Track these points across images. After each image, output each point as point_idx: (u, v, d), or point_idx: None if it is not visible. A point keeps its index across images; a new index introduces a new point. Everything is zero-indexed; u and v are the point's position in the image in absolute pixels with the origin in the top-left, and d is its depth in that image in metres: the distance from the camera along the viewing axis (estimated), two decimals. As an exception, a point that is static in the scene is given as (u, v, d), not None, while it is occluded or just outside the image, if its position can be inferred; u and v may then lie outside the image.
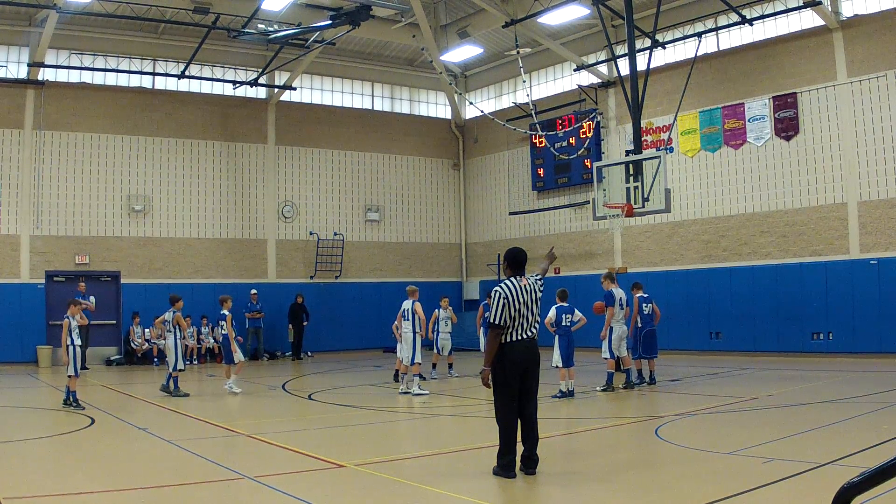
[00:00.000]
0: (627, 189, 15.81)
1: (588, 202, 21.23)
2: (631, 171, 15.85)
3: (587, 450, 9.00)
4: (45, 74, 21.42)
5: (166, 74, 22.64)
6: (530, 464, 7.16)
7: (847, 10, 18.55)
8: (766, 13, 19.26)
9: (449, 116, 28.53)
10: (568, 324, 13.00)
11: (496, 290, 7.26)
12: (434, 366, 16.96)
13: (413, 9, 21.86)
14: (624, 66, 17.76)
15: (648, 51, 17.09)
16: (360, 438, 9.98)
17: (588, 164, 22.75)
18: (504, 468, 7.08)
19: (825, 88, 18.69)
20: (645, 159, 15.93)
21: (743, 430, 9.47)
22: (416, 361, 13.81)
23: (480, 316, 16.64)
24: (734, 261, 20.33)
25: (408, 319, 14.12)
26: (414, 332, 13.97)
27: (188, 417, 11.57)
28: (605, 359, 13.87)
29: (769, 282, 19.45)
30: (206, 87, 24.00)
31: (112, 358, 21.40)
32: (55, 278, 21.28)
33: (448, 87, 26.67)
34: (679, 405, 11.74)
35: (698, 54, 18.99)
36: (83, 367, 12.59)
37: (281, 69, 23.97)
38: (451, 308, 17.53)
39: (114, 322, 21.81)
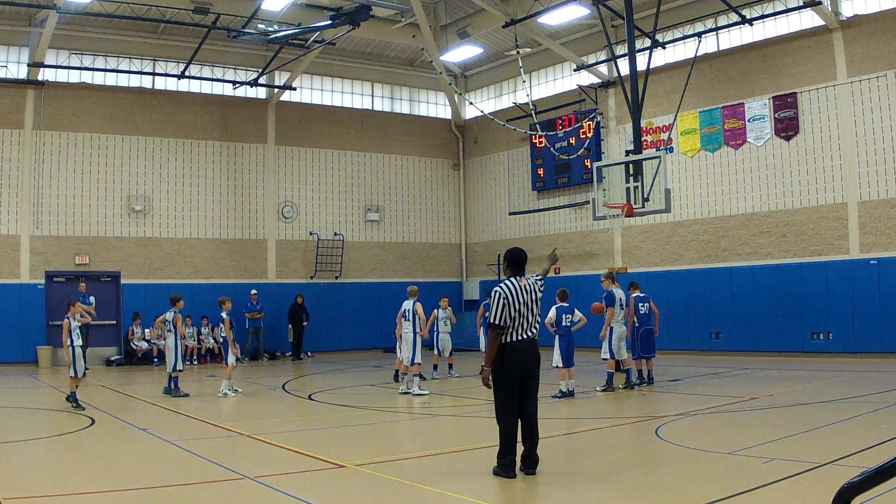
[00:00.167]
0: (627, 189, 15.81)
1: (588, 202, 21.22)
2: (631, 171, 15.84)
3: (587, 450, 9.00)
4: (45, 74, 21.42)
5: (166, 74, 22.64)
6: (530, 464, 7.16)
7: (847, 10, 18.55)
8: (766, 13, 19.26)
9: (449, 116, 28.53)
10: (568, 324, 13.00)
11: (496, 290, 7.26)
12: (435, 367, 16.95)
13: (413, 9, 21.87)
14: (624, 66, 17.76)
15: (648, 51, 17.09)
16: (360, 438, 9.98)
17: (588, 164, 22.75)
18: (504, 468, 7.08)
19: (825, 88, 18.69)
20: (645, 159, 15.93)
21: (743, 430, 9.47)
22: (416, 362, 13.81)
23: (480, 316, 16.63)
24: (734, 261, 20.34)
25: (408, 320, 14.12)
26: (414, 333, 13.98)
27: (188, 417, 11.57)
28: (605, 359, 13.88)
29: (769, 282, 19.45)
30: (206, 87, 24.00)
31: (112, 358, 21.40)
32: (55, 278, 21.28)
33: (448, 87, 26.67)
34: (679, 405, 11.74)
35: (698, 54, 18.99)
36: (85, 369, 12.53)
37: (281, 69, 23.97)
38: (450, 308, 17.53)
39: (114, 322, 21.81)
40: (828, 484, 5.33)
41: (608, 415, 11.59)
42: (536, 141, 24.58)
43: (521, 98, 24.56)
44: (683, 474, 7.27)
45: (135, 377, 18.39)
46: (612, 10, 19.82)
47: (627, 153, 18.87)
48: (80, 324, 12.57)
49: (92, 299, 19.70)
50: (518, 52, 21.91)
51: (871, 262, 17.81)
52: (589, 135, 23.20)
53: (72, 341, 12.19)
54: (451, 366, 17.26)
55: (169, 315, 14.39)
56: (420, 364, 13.97)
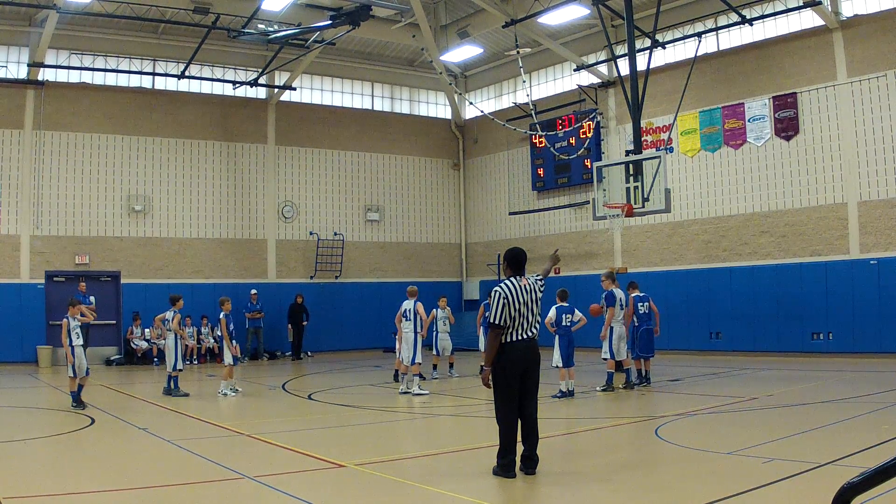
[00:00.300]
0: (627, 189, 15.81)
1: (588, 202, 21.22)
2: (631, 171, 15.85)
3: (587, 450, 9.00)
4: (45, 74, 21.42)
5: (166, 74, 22.64)
6: (530, 464, 7.16)
7: (847, 10, 18.55)
8: (766, 13, 19.26)
9: (449, 116, 28.53)
10: (568, 324, 13.00)
11: (496, 290, 7.25)
12: (434, 367, 16.95)
13: (413, 9, 21.86)
14: (624, 66, 17.77)
15: (648, 51, 17.09)
16: (360, 438, 9.98)
17: (588, 164, 22.74)
18: (504, 468, 7.08)
19: (825, 88, 18.69)
20: (645, 159, 15.94)
21: (743, 430, 9.47)
22: (416, 361, 13.81)
23: (480, 316, 16.63)
24: (734, 261, 20.34)
25: (409, 320, 14.12)
26: (415, 333, 13.98)
27: (188, 417, 11.57)
28: (605, 359, 13.89)
29: (769, 282, 19.45)
30: (206, 87, 24.00)
31: (112, 358, 21.40)
32: (55, 278, 21.29)
33: (448, 87, 26.67)
34: (679, 405, 11.74)
35: (698, 54, 18.99)
36: (87, 368, 12.52)
37: (281, 69, 23.97)
38: (448, 308, 17.52)
39: (114, 322, 21.81)
40: (828, 484, 5.33)
41: (608, 415, 11.59)
42: (536, 141, 24.58)
43: (521, 98, 24.56)
44: (683, 474, 7.27)
45: (135, 377, 18.39)
46: (612, 10, 19.82)
47: (627, 153, 18.85)
48: (80, 323, 12.57)
49: (92, 299, 19.71)
50: (518, 52, 21.90)
51: (871, 262, 17.81)
52: (589, 135, 23.20)
53: (71, 341, 12.19)
54: (451, 365, 17.25)
55: (169, 314, 14.39)
56: (420, 364, 13.98)
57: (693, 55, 18.88)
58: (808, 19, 19.06)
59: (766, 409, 11.16)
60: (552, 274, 22.32)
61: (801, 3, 18.39)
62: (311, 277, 25.01)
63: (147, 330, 21.30)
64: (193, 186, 23.52)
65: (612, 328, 13.68)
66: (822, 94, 18.75)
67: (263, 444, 9.13)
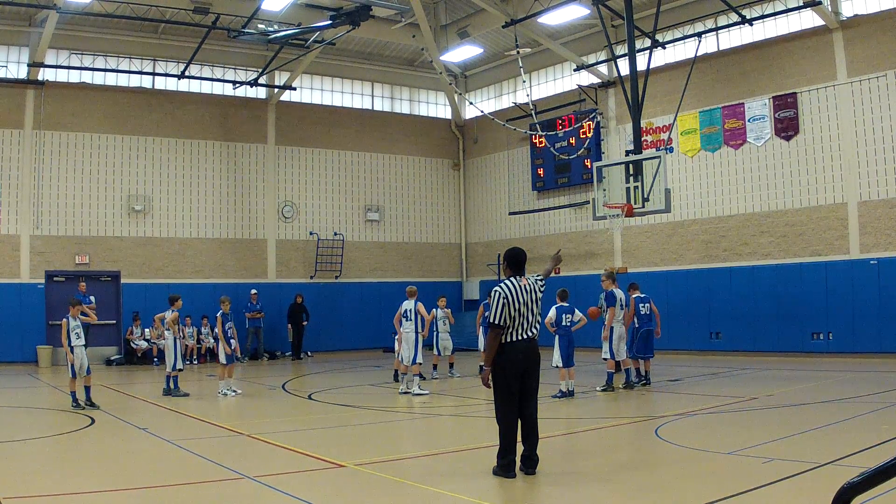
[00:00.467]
0: (627, 189, 15.81)
1: (588, 202, 21.21)
2: (631, 171, 15.85)
3: (587, 450, 9.00)
4: (45, 74, 21.42)
5: (166, 74, 22.64)
6: (530, 464, 7.16)
7: (847, 10, 18.55)
8: (766, 13, 19.27)
9: (449, 116, 28.53)
10: (568, 324, 13.00)
11: (496, 290, 7.25)
12: (435, 367, 16.95)
13: (413, 9, 21.87)
14: (624, 66, 17.76)
15: (648, 51, 17.09)
16: (360, 438, 9.98)
17: (588, 164, 22.75)
18: (504, 468, 7.08)
19: (825, 88, 18.69)
20: (645, 159, 15.93)
21: (743, 430, 9.47)
22: (416, 361, 13.81)
23: (480, 316, 16.62)
24: (734, 261, 20.33)
25: (409, 319, 14.12)
26: (416, 332, 13.98)
27: (188, 417, 11.57)
28: (605, 359, 13.89)
29: (769, 282, 19.45)
30: (206, 87, 24.00)
31: (112, 358, 21.40)
32: (55, 278, 21.29)
33: (448, 87, 26.67)
34: (679, 405, 11.74)
35: (698, 54, 18.99)
36: (88, 367, 12.51)
37: (281, 69, 23.97)
38: (448, 308, 17.50)
39: (114, 322, 21.81)
40: (828, 484, 5.33)
41: (608, 415, 11.59)
42: (536, 141, 24.58)
43: (521, 98, 24.56)
44: (683, 474, 7.27)
45: (135, 377, 18.39)
46: (612, 10, 19.82)
47: (627, 153, 18.86)
48: (80, 322, 12.55)
49: (92, 299, 19.71)
50: (518, 52, 21.90)
51: (871, 262, 17.81)
52: (589, 135, 23.20)
53: (71, 341, 12.18)
54: (451, 365, 17.25)
55: (168, 314, 14.39)
56: (421, 364, 13.98)
57: (693, 55, 18.88)
58: (808, 19, 19.06)
59: (766, 409, 11.16)
60: (553, 274, 22.44)
61: (801, 3, 18.40)
62: (311, 277, 25.01)
63: (147, 330, 21.30)
64: (193, 186, 23.52)
65: (612, 328, 13.68)
66: (822, 94, 18.75)
67: (263, 444, 9.13)
